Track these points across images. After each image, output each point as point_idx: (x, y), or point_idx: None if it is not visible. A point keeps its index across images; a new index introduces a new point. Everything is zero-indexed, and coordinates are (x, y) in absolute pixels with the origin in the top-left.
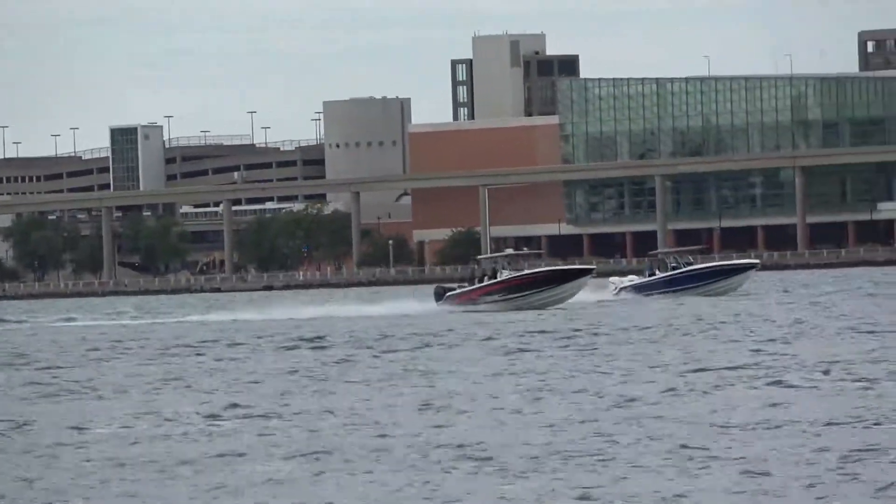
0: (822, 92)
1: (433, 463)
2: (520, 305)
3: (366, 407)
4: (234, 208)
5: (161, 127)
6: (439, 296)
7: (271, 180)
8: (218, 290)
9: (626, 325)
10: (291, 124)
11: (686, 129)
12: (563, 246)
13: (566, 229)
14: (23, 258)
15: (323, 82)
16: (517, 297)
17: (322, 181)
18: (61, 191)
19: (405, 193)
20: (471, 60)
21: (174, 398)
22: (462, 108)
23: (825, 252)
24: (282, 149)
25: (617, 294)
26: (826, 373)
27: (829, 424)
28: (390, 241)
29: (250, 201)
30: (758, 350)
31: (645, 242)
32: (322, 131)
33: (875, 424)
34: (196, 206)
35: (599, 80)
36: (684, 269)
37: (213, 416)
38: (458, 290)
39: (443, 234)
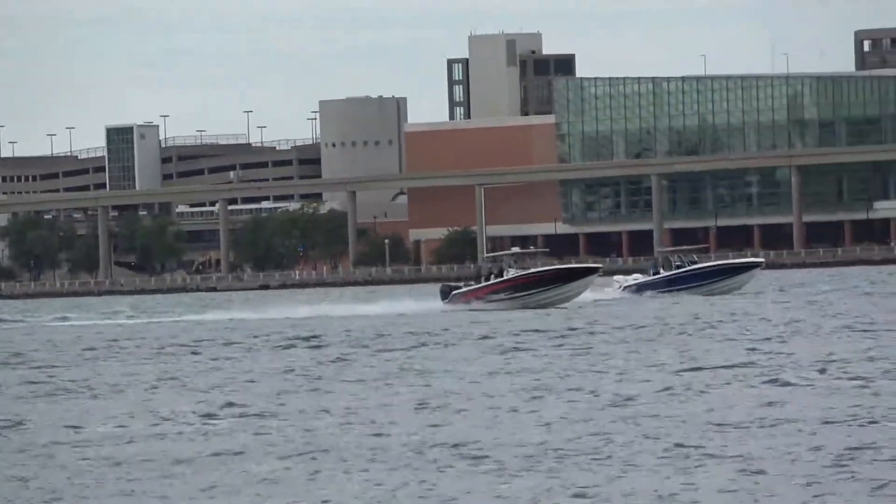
0: (819, 91)
1: (429, 462)
2: (526, 304)
3: (362, 406)
4: (230, 208)
5: (157, 126)
6: (445, 294)
7: (267, 179)
8: (214, 289)
9: (622, 323)
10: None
11: (682, 128)
12: (559, 245)
13: (562, 228)
14: (19, 257)
15: (319, 81)
16: (523, 295)
17: (318, 180)
18: (57, 190)
19: (401, 193)
20: (467, 60)
21: (170, 397)
22: (458, 108)
23: (821, 251)
24: (278, 148)
25: (622, 292)
26: (822, 371)
27: (825, 423)
28: (386, 241)
29: (246, 201)
30: (754, 349)
31: (641, 242)
32: (318, 130)
33: (871, 423)
34: (192, 205)
35: (596, 79)
36: (689, 268)
37: (209, 416)
38: (464, 289)
39: (439, 233)
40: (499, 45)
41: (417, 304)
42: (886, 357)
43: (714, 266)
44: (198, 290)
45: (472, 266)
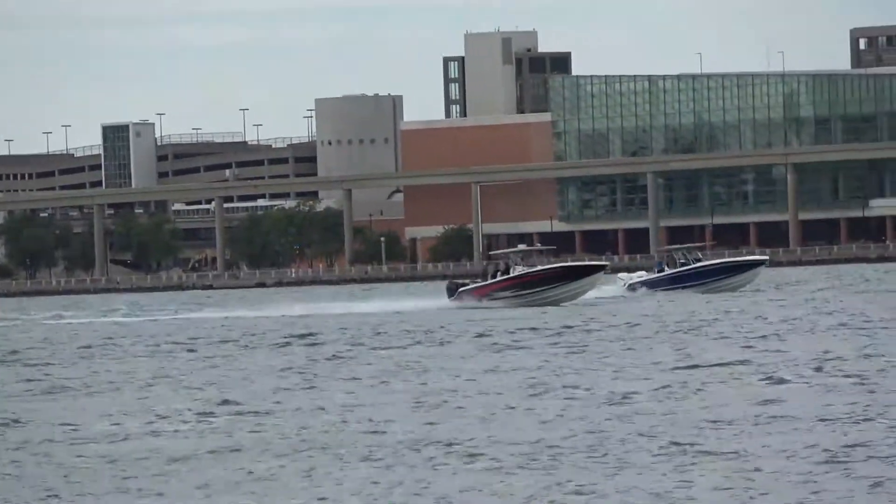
0: (814, 89)
1: (425, 459)
2: (532, 302)
3: (358, 403)
4: (225, 206)
5: (153, 124)
6: (452, 291)
7: (263, 177)
8: (210, 287)
9: (618, 321)
10: (284, 122)
11: (678, 126)
12: (555, 243)
13: (558, 226)
14: (15, 255)
15: (315, 79)
16: (529, 293)
17: (314, 178)
18: (53, 188)
19: (397, 191)
20: (463, 58)
21: (166, 395)
22: (454, 106)
23: (817, 249)
24: (274, 146)
25: (627, 290)
26: (818, 369)
27: (821, 420)
28: (382, 239)
29: (242, 198)
30: (749, 346)
31: (637, 239)
32: (314, 128)
33: (866, 420)
34: (188, 203)
35: (591, 77)
36: (694, 266)
37: (206, 413)
38: (470, 286)
39: (435, 231)
40: (495, 43)
41: (423, 301)
42: (882, 355)
43: (719, 264)
44: (194, 288)
45: (468, 264)
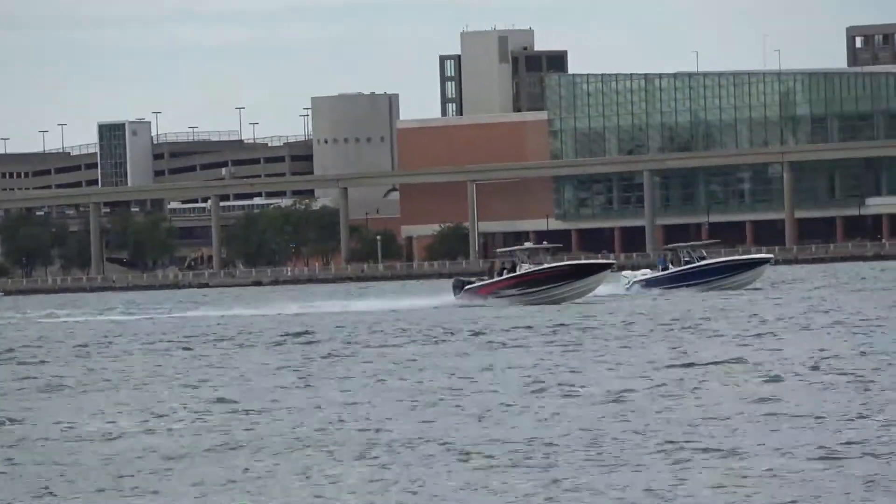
0: (811, 87)
1: (421, 457)
2: (538, 300)
3: (354, 402)
4: (222, 204)
5: (149, 123)
6: (458, 288)
7: (259, 176)
8: (206, 285)
9: (615, 320)
10: (280, 120)
11: (674, 124)
12: (551, 241)
13: (554, 225)
14: (11, 254)
15: (311, 78)
16: (536, 291)
17: (310, 177)
18: (49, 187)
19: (393, 189)
20: (459, 56)
21: (162, 393)
22: (450, 104)
23: (813, 247)
24: (270, 144)
25: (629, 288)
26: (814, 368)
27: (816, 418)
28: (378, 237)
29: (238, 197)
30: (745, 345)
31: (633, 238)
32: (310, 127)
33: (861, 418)
34: (184, 201)
35: (588, 75)
36: (698, 264)
37: (201, 412)
38: (476, 284)
39: (431, 229)
40: (491, 42)
41: (429, 299)
42: (878, 353)
43: (723, 262)
44: (190, 286)
45: (464, 262)
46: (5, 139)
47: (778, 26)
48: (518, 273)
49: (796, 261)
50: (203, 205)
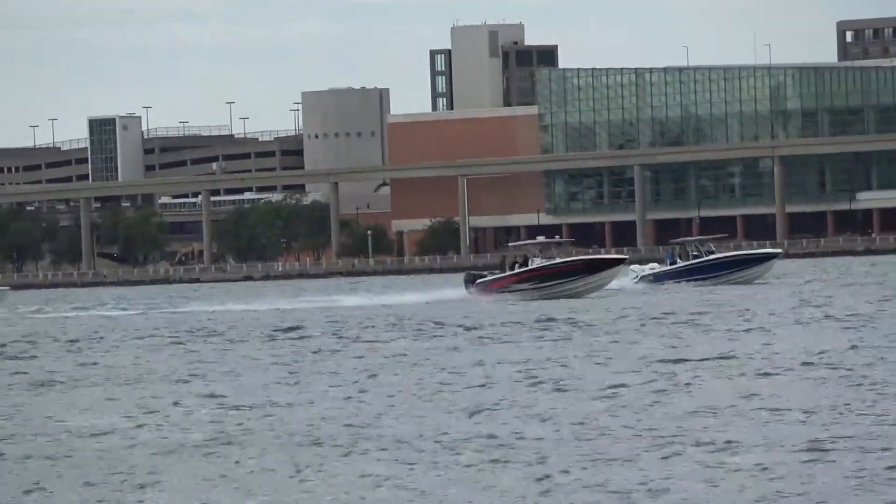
0: (801, 82)
1: (413, 453)
2: (551, 294)
3: (346, 397)
4: (212, 199)
5: (139, 118)
6: (469, 282)
7: (250, 171)
8: (197, 280)
9: (612, 315)
10: (270, 115)
11: (665, 119)
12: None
13: (545, 219)
14: (1, 249)
15: (302, 73)
16: (548, 285)
17: (301, 171)
18: (40, 181)
19: (384, 184)
20: (450, 51)
21: (153, 389)
22: (441, 99)
23: (804, 242)
24: (260, 139)
25: (637, 282)
26: (804, 362)
27: (807, 412)
28: (369, 232)
29: (229, 192)
30: (737, 339)
31: (624, 232)
32: (301, 122)
33: (852, 412)
34: (175, 196)
35: (578, 70)
36: (706, 258)
37: (193, 408)
38: (488, 278)
39: (422, 224)
40: (481, 36)
41: (439, 292)
42: (868, 347)
43: (732, 256)
44: (181, 281)
45: (455, 257)
46: None
47: (768, 21)
48: (530, 267)
49: (787, 255)
50: (194, 200)
